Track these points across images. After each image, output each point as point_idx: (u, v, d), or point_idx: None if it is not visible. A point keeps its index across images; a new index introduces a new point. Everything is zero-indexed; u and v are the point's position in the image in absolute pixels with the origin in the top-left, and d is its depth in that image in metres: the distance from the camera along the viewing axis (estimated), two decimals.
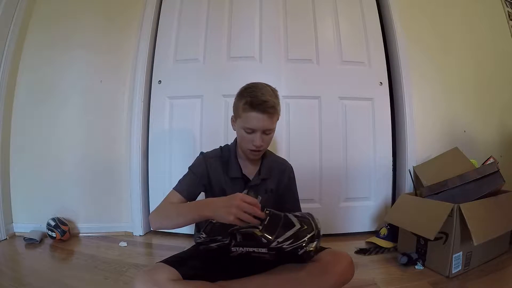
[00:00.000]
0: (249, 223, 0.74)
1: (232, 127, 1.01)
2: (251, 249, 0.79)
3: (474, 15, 1.89)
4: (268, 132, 0.94)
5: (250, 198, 0.75)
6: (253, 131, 0.92)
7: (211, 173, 1.00)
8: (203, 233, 0.83)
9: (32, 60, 1.70)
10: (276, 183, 1.06)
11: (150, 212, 0.98)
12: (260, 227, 0.76)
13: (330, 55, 1.73)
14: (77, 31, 1.72)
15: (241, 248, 0.80)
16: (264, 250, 0.77)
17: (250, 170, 1.02)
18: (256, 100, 0.89)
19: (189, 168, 1.03)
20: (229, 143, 1.07)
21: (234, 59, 1.70)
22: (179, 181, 1.00)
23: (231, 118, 1.01)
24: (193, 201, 0.95)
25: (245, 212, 0.73)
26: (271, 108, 0.90)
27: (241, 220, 0.73)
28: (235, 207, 0.73)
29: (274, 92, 0.95)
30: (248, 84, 0.97)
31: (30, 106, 1.70)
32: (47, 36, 1.71)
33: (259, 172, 1.02)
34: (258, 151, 0.95)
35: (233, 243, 0.79)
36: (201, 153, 1.05)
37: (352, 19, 1.78)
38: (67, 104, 1.72)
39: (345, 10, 1.77)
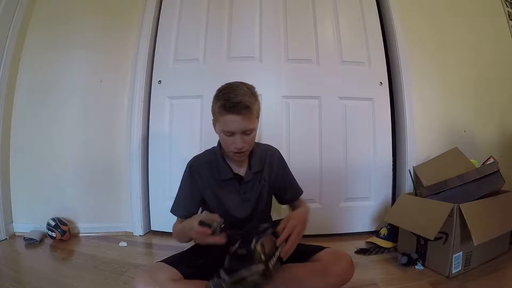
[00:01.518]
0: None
1: (214, 130, 0.98)
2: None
3: (474, 15, 1.89)
4: (248, 132, 0.91)
5: (200, 229, 0.75)
6: (232, 133, 0.90)
7: (200, 184, 0.99)
8: None
9: (32, 60, 1.70)
10: (269, 171, 1.05)
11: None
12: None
13: (330, 55, 1.73)
14: (77, 31, 1.72)
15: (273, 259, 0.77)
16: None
17: (241, 168, 1.01)
18: (229, 103, 0.86)
19: (180, 185, 1.03)
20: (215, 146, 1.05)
21: (234, 59, 1.70)
22: (174, 203, 1.02)
23: (212, 121, 0.97)
24: (181, 226, 0.94)
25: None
26: (246, 109, 0.87)
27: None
28: (196, 238, 0.79)
29: (250, 89, 0.92)
30: (222, 86, 0.94)
31: (30, 106, 1.70)
32: (47, 36, 1.71)
33: (249, 167, 1.01)
34: (241, 152, 0.93)
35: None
36: (188, 163, 1.03)
37: (352, 19, 1.78)
38: (67, 104, 1.72)
39: (345, 10, 1.77)
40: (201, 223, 0.76)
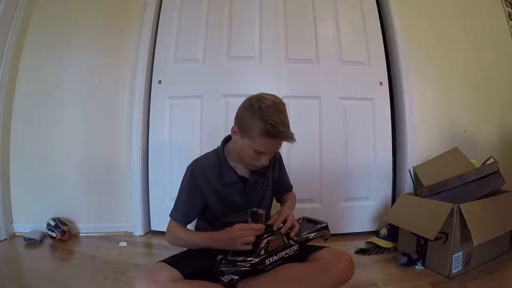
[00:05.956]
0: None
1: (232, 136, 0.94)
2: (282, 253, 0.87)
3: (474, 15, 1.88)
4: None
5: (244, 226, 0.84)
6: (263, 153, 0.88)
7: (204, 189, 0.96)
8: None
9: (32, 60, 1.70)
10: (272, 171, 1.06)
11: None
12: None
13: (330, 55, 1.73)
14: (77, 31, 1.72)
15: (274, 257, 0.85)
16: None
17: (245, 169, 1.00)
18: (275, 130, 0.82)
19: (180, 190, 0.99)
20: (217, 147, 1.04)
21: (234, 59, 1.70)
22: (175, 208, 0.99)
23: (233, 129, 0.92)
24: (204, 235, 0.96)
25: (247, 235, 0.82)
26: (290, 137, 0.85)
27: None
28: (238, 238, 0.81)
29: (285, 106, 0.89)
30: (261, 101, 0.84)
31: (30, 106, 1.70)
32: (47, 36, 1.71)
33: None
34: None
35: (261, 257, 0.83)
36: (188, 168, 0.99)
37: (352, 19, 1.78)
38: (67, 104, 1.72)
39: (345, 10, 1.77)
40: (253, 213, 0.86)
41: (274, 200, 1.16)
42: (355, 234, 1.69)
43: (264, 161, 0.90)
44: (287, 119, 0.88)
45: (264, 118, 0.82)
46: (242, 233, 0.82)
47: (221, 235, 0.87)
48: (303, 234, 0.90)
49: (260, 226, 0.84)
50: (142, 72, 1.73)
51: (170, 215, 1.00)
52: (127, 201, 1.73)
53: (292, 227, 0.89)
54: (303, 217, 1.02)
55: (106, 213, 1.73)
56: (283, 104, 0.89)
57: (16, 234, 1.66)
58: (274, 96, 0.90)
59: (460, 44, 1.85)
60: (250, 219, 0.86)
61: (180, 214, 0.99)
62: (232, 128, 0.93)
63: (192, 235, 0.98)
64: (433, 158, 1.67)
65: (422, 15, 1.82)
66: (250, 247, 0.82)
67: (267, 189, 1.04)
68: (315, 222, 0.97)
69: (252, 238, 0.82)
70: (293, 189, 1.19)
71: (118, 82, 1.74)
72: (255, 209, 0.87)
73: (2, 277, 1.16)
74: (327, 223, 0.95)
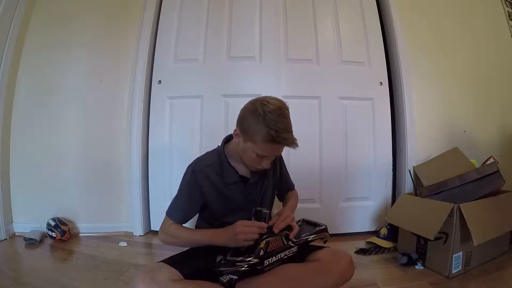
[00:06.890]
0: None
1: (234, 138, 0.93)
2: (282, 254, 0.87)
3: (474, 15, 1.89)
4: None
5: (247, 222, 0.84)
6: (265, 156, 0.88)
7: (205, 189, 0.95)
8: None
9: (32, 60, 1.70)
10: (273, 171, 1.05)
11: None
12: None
13: (330, 55, 1.73)
14: (77, 31, 1.72)
15: (273, 258, 0.85)
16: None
17: (246, 169, 0.99)
18: (280, 136, 0.82)
19: (180, 189, 0.98)
20: (217, 146, 1.03)
21: (234, 59, 1.70)
22: (173, 206, 0.97)
23: (235, 132, 0.91)
24: (204, 232, 0.94)
25: (249, 232, 0.82)
26: (293, 143, 0.85)
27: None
28: (240, 234, 0.81)
29: (288, 111, 0.89)
30: (265, 106, 0.84)
31: (30, 106, 1.70)
32: (47, 36, 1.71)
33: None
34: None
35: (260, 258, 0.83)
36: (189, 167, 0.97)
37: (352, 19, 1.78)
38: (67, 104, 1.72)
39: (345, 10, 1.77)
40: (256, 212, 0.87)
41: (275, 200, 1.15)
42: (355, 234, 1.69)
43: (265, 164, 0.90)
44: (291, 124, 0.87)
45: (268, 123, 0.82)
46: (244, 229, 0.82)
47: (222, 231, 0.87)
48: (302, 236, 0.90)
49: (263, 225, 0.84)
50: (142, 72, 1.73)
51: (167, 213, 0.98)
52: (127, 201, 1.73)
53: (291, 228, 0.89)
54: (302, 219, 1.02)
55: (106, 213, 1.73)
56: (287, 109, 0.89)
57: (16, 234, 1.66)
58: (278, 100, 0.89)
59: (460, 44, 1.85)
60: (253, 218, 0.87)
61: (179, 213, 0.97)
62: (234, 130, 0.92)
63: (192, 233, 0.96)
64: (433, 158, 1.67)
65: (422, 15, 1.82)
66: (251, 242, 0.82)
67: (267, 189, 1.04)
68: (314, 224, 0.98)
69: (255, 235, 0.82)
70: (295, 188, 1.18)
71: (118, 82, 1.74)
72: (259, 208, 0.88)
73: (2, 277, 1.16)
74: (326, 225, 0.95)
